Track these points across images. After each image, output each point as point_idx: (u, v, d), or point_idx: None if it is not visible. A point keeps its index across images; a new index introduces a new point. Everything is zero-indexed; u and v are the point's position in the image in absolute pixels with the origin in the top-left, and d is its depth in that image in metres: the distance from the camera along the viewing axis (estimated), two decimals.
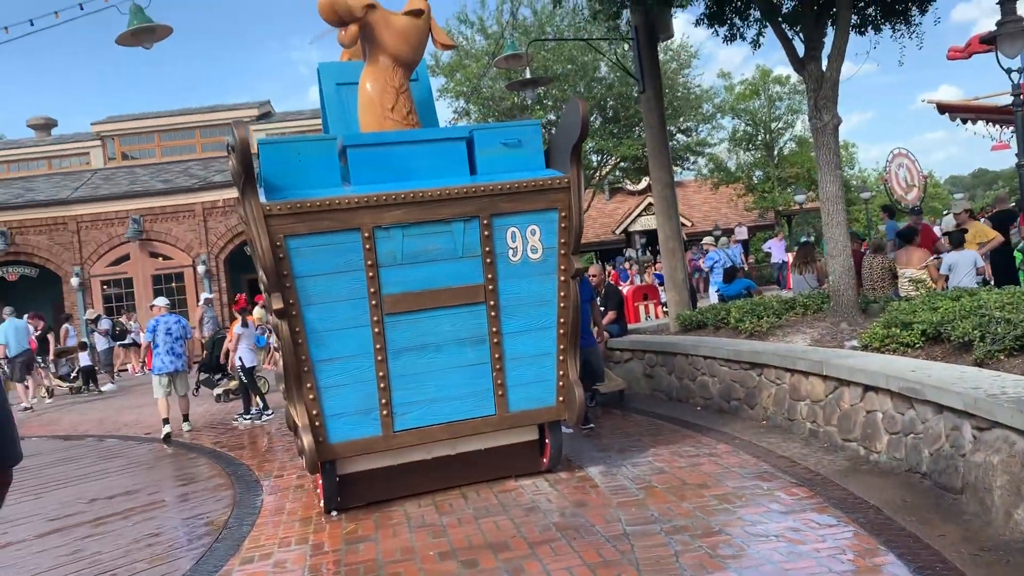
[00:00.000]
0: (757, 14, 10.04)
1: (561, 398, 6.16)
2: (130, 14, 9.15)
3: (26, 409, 15.11)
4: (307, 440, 5.55)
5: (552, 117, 26.64)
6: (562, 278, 6.09)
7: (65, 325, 18.64)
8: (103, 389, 17.54)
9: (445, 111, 36.20)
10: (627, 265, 25.33)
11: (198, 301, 21.12)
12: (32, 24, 10.08)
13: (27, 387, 15.68)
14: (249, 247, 6.35)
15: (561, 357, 6.13)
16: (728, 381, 8.12)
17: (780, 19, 9.50)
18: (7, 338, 15.38)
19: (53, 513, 7.18)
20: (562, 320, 6.10)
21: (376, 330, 5.70)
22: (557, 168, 6.21)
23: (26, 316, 16.94)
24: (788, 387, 7.11)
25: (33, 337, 16.77)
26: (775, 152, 36.24)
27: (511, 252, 6.00)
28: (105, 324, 18.95)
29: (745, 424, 7.54)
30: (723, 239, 22.47)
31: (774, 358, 7.29)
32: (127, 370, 21.05)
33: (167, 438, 10.34)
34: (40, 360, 17.13)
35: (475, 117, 27.33)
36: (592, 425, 8.13)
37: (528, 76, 13.95)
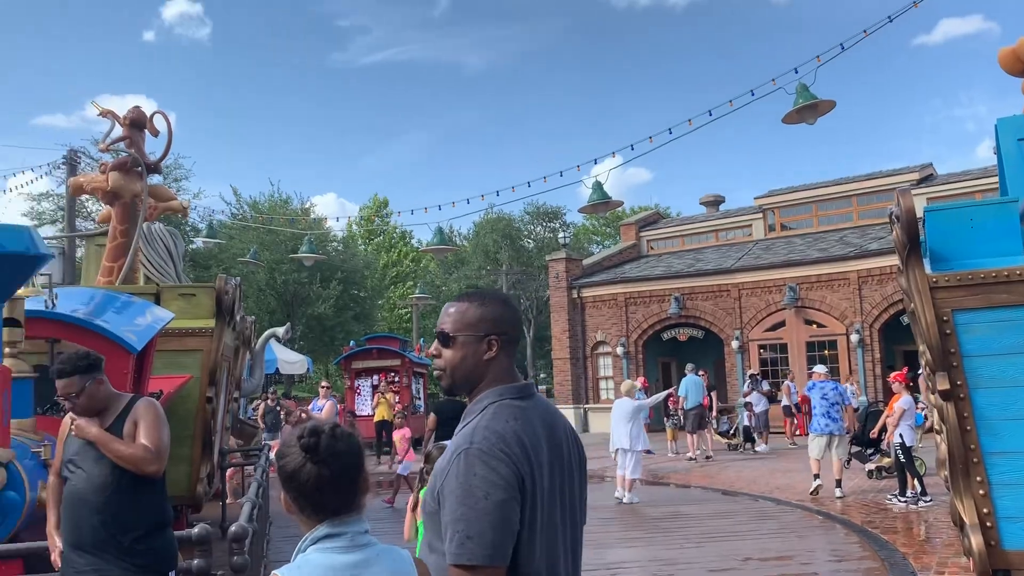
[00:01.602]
0: None
1: None
2: (796, 93, 9.60)
3: (690, 459, 16.74)
4: (975, 541, 4.91)
5: None
6: None
7: (786, 382, 20.25)
8: (758, 449, 18.39)
9: None
10: None
11: (850, 370, 20.83)
12: (711, 114, 11.29)
13: (695, 439, 17.31)
14: (908, 318, 6.00)
15: None
16: None
17: None
18: (687, 390, 17.34)
19: (712, 564, 7.70)
20: None
21: None
22: None
23: (699, 372, 18.78)
24: None
25: (707, 394, 18.47)
26: None
27: None
28: (765, 386, 19.98)
29: None
30: None
31: None
32: (782, 433, 21.74)
33: (815, 491, 11.07)
34: (707, 416, 18.77)
35: None
36: None
37: None
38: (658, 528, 9.68)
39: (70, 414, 3.73)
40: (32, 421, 5.57)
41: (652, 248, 30.46)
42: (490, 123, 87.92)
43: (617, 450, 11.77)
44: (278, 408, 17.17)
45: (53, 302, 6.23)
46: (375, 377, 22.37)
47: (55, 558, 3.68)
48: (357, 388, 22.56)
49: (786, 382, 20.81)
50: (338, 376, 35.04)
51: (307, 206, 39.32)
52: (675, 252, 29.53)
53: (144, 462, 3.57)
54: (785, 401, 20.31)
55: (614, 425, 11.85)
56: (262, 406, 16.45)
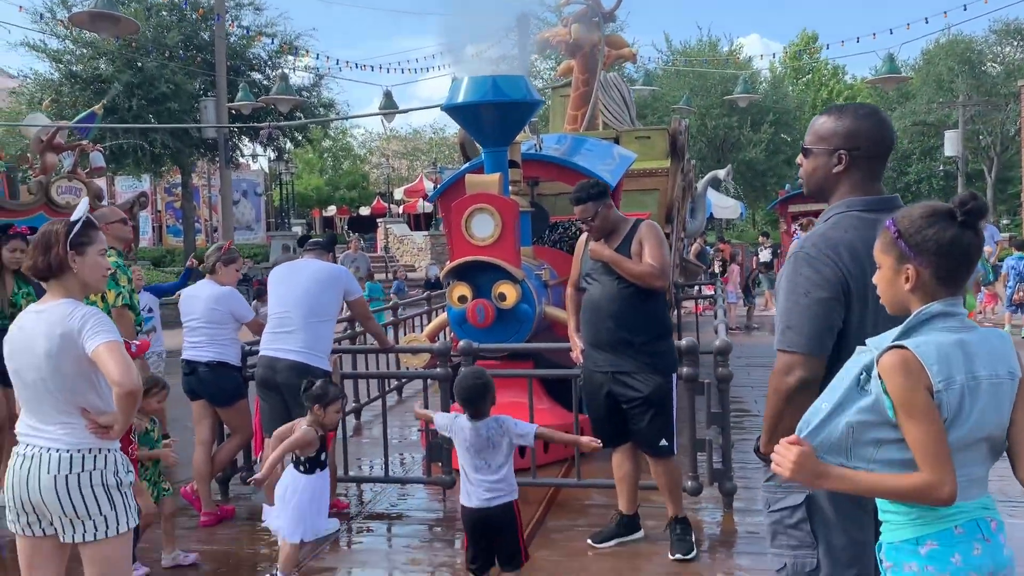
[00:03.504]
0: None
1: None
2: None
3: None
4: None
5: None
6: None
7: None
8: None
9: None
10: None
11: None
12: None
13: None
14: None
15: None
16: None
17: None
18: None
19: None
20: None
21: None
22: None
23: None
24: None
25: None
26: None
27: None
28: None
29: None
30: None
31: None
32: None
33: None
34: None
35: None
36: None
37: None
38: None
39: (584, 235, 4.29)
40: (531, 249, 6.48)
41: None
42: None
43: None
44: (710, 251, 17.61)
45: (539, 146, 7.04)
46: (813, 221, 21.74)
47: (577, 355, 4.35)
48: (794, 232, 22.10)
49: None
50: (767, 222, 34.48)
51: (735, 47, 38.16)
52: None
53: (652, 278, 4.01)
54: None
55: None
56: (694, 247, 16.97)
